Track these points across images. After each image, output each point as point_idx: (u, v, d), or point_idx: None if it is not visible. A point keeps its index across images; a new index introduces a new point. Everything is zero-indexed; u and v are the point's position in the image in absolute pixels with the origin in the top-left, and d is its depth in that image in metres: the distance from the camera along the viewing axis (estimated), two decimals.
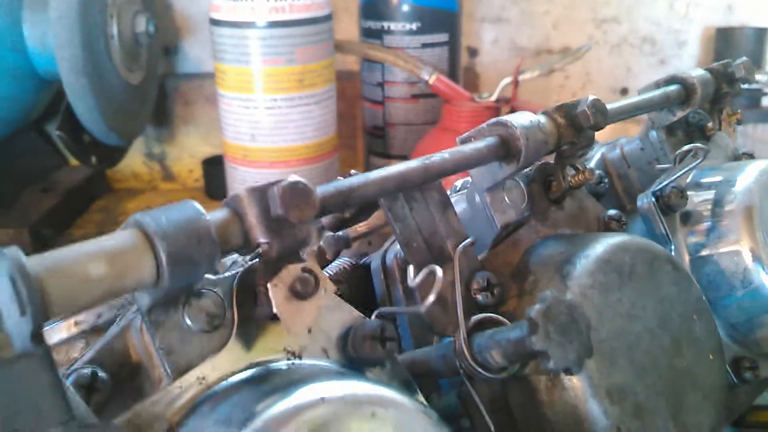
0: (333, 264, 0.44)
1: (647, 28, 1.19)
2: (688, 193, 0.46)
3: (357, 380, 0.29)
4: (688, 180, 0.48)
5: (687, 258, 0.46)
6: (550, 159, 0.41)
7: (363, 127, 1.09)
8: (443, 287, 0.35)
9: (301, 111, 0.87)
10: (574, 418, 0.33)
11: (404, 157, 1.01)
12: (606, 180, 0.53)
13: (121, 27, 0.92)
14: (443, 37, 1.00)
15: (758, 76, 1.03)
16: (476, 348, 0.32)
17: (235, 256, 0.32)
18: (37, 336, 0.23)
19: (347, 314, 0.32)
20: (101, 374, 0.29)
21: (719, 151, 0.55)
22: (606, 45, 1.20)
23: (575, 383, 0.32)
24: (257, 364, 0.29)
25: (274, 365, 0.29)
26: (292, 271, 0.29)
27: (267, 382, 0.28)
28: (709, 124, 0.53)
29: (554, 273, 0.35)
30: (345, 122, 1.09)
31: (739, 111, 0.56)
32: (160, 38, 1.07)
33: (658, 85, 0.51)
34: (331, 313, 0.31)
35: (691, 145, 0.46)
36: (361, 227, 0.45)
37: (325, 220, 0.46)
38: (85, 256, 0.24)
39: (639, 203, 0.46)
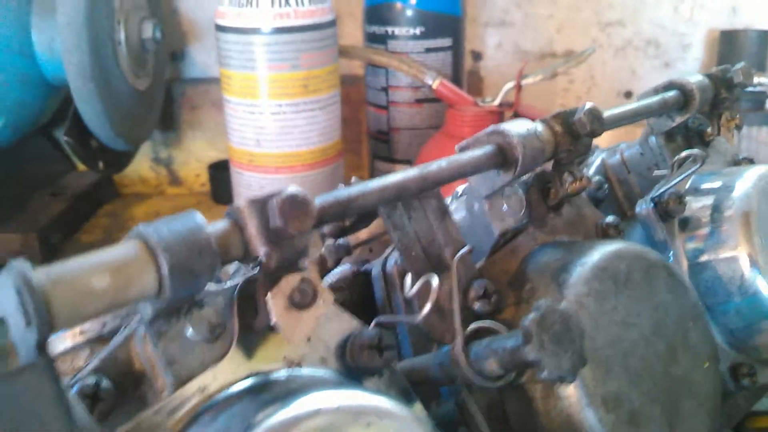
0: (334, 271, 0.44)
1: (651, 31, 1.19)
2: (687, 198, 0.46)
3: (354, 390, 0.29)
4: (687, 185, 0.49)
5: (685, 264, 0.46)
6: (549, 166, 0.42)
7: (367, 131, 1.09)
8: (441, 295, 0.36)
9: (305, 116, 0.87)
10: (570, 426, 0.33)
11: (409, 162, 1.01)
12: (606, 185, 0.53)
13: (128, 33, 0.93)
14: (447, 41, 1.00)
15: (762, 79, 1.03)
16: (473, 356, 0.32)
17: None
18: (42, 347, 0.23)
19: (346, 323, 0.32)
20: (105, 383, 0.29)
21: (718, 156, 0.55)
22: (610, 48, 1.20)
23: (571, 392, 0.33)
24: (257, 374, 0.30)
25: (274, 374, 0.30)
26: (290, 281, 0.29)
27: (266, 392, 0.28)
28: (708, 130, 0.53)
29: (550, 281, 0.36)
30: (350, 126, 1.09)
31: (738, 116, 0.56)
32: (167, 43, 1.08)
33: (656, 90, 0.51)
34: (330, 323, 0.32)
35: (688, 151, 0.46)
36: (362, 234, 0.46)
37: (327, 227, 0.47)
38: (88, 269, 0.25)
39: (638, 209, 0.46)
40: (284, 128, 0.87)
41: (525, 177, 0.41)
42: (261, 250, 0.28)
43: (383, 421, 0.27)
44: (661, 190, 0.46)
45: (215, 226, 0.28)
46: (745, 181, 0.47)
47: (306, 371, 0.31)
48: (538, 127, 0.39)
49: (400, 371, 0.33)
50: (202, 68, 1.18)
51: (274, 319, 0.29)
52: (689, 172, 0.46)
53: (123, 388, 0.30)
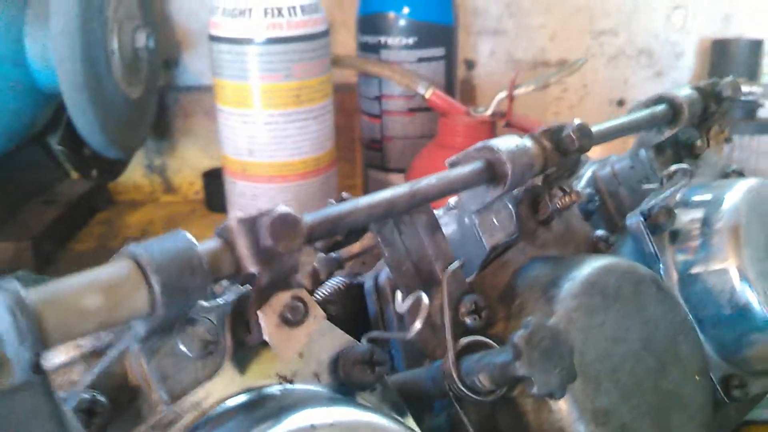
0: (326, 284, 0.45)
1: (644, 40, 1.20)
2: (677, 211, 0.47)
3: (346, 406, 0.29)
4: (677, 199, 0.49)
5: (676, 276, 0.47)
6: (540, 180, 0.42)
7: (361, 140, 1.10)
8: (432, 310, 0.36)
9: (298, 126, 0.88)
10: None
11: (402, 171, 1.01)
12: (597, 198, 0.54)
13: (121, 42, 0.93)
14: (439, 51, 1.00)
15: (754, 88, 1.04)
16: (464, 371, 0.32)
17: None
18: (36, 365, 0.24)
19: (338, 339, 0.32)
20: (100, 398, 0.29)
21: (709, 168, 0.56)
22: (603, 57, 1.20)
23: (561, 406, 0.33)
24: (250, 389, 0.30)
25: (267, 390, 0.30)
26: (281, 298, 0.30)
27: (259, 408, 0.28)
28: (698, 143, 0.54)
29: (540, 296, 0.36)
30: (343, 135, 1.09)
31: (727, 129, 0.57)
32: (160, 51, 1.08)
33: (646, 104, 0.52)
34: (322, 338, 0.32)
35: (677, 166, 0.47)
36: (354, 247, 0.46)
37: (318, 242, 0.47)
38: (80, 288, 0.25)
39: (628, 222, 0.47)
40: (277, 138, 0.87)
41: (515, 192, 0.41)
42: (252, 269, 0.28)
43: None
44: (651, 204, 0.46)
45: (206, 245, 0.28)
46: (735, 193, 0.48)
47: (299, 387, 0.31)
48: (527, 142, 0.39)
49: (392, 385, 0.34)
50: (195, 76, 1.18)
51: (265, 337, 0.29)
52: (677, 187, 0.46)
53: (118, 402, 0.30)
